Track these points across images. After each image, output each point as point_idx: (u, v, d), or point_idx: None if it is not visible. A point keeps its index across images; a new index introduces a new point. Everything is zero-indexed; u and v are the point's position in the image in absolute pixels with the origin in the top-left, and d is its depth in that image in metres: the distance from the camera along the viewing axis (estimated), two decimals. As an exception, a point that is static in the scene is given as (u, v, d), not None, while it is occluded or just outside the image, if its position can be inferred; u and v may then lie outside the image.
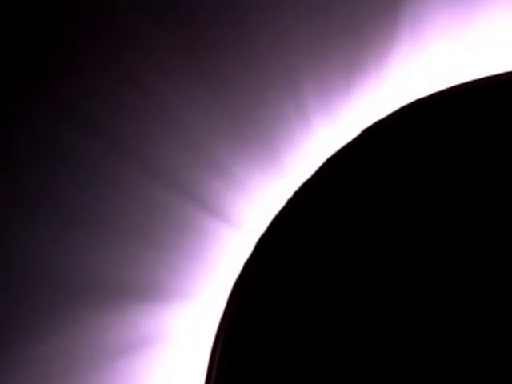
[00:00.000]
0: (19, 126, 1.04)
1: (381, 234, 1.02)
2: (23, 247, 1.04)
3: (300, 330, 1.00)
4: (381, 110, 1.05)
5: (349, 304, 1.00)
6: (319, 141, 1.05)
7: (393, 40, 1.04)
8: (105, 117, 1.04)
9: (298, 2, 1.03)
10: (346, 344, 0.99)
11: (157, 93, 1.05)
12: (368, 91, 1.05)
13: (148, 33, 1.04)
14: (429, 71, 1.05)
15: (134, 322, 1.02)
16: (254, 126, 1.05)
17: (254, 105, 1.05)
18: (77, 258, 1.04)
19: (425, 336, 0.97)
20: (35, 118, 1.04)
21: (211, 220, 1.04)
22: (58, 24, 1.05)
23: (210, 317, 1.03)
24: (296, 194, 1.04)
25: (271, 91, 1.05)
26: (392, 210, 1.02)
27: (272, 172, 1.05)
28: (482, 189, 1.01)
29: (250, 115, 1.05)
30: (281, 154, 1.05)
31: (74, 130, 1.02)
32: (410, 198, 1.02)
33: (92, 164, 1.03)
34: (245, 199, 1.05)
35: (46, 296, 1.03)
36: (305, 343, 0.99)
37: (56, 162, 1.04)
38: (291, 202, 1.04)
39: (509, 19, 1.01)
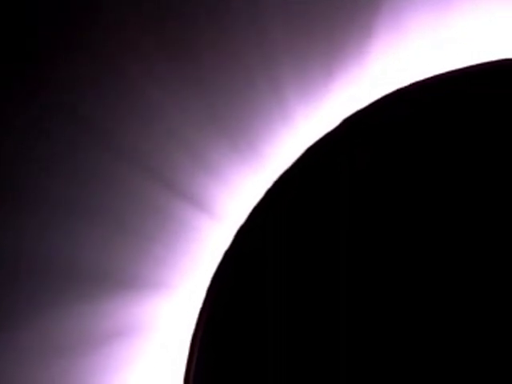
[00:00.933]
0: (7, 120, 1.04)
1: (362, 225, 1.02)
2: (7, 237, 1.05)
3: (279, 319, 1.01)
4: (361, 101, 1.05)
5: (328, 294, 1.01)
6: (299, 131, 1.05)
7: (372, 31, 1.03)
8: (85, 107, 1.05)
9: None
10: (327, 333, 0.99)
11: (137, 84, 1.05)
12: (348, 82, 1.05)
13: (131, 27, 1.04)
14: (408, 62, 1.04)
15: (115, 312, 1.03)
16: (233, 116, 1.05)
17: (234, 95, 1.05)
18: (60, 247, 1.05)
19: (419, 335, 0.98)
20: (21, 111, 1.04)
21: (191, 210, 1.05)
22: (43, 18, 1.05)
23: (191, 306, 1.04)
24: (275, 184, 1.04)
25: (251, 82, 1.05)
26: (372, 200, 1.02)
27: (252, 162, 1.05)
28: (464, 175, 1.01)
29: (229, 106, 1.05)
30: (261, 145, 1.05)
31: (56, 121, 1.03)
32: (390, 187, 1.02)
33: (73, 154, 1.03)
34: (225, 190, 1.05)
35: (30, 284, 1.05)
36: (284, 332, 1.00)
37: (39, 153, 1.05)
38: (270, 193, 1.04)
39: (487, 11, 1.00)
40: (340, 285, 1.01)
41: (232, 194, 1.05)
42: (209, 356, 1.02)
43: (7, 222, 1.05)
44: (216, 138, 1.05)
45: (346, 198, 1.02)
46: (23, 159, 1.04)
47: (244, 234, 1.04)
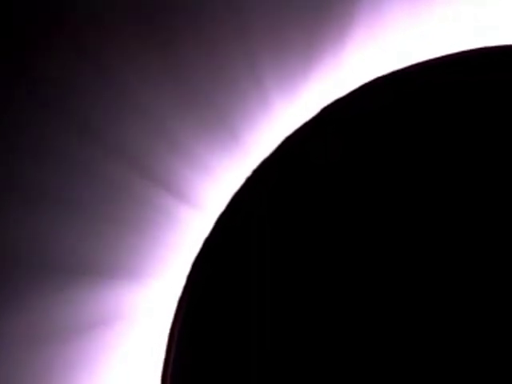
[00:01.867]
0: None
1: (339, 211, 1.02)
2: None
3: (259, 308, 1.01)
4: (340, 90, 1.06)
5: (309, 280, 1.01)
6: (278, 120, 1.06)
7: (352, 20, 1.05)
8: (64, 96, 1.05)
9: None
10: (308, 323, 0.99)
11: (117, 74, 1.05)
12: (327, 70, 1.06)
13: (110, 18, 1.05)
14: (387, 52, 1.05)
15: (94, 301, 1.03)
16: (213, 105, 1.05)
17: (214, 84, 1.05)
18: (41, 236, 1.04)
19: (403, 331, 0.98)
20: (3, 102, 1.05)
21: (171, 199, 1.05)
22: (22, 10, 1.05)
23: (171, 294, 1.04)
24: (255, 172, 1.05)
25: (231, 71, 1.05)
26: (350, 186, 1.03)
27: (232, 151, 1.06)
28: (438, 161, 1.02)
29: (209, 95, 1.05)
30: (240, 133, 1.06)
31: (34, 109, 1.03)
32: (368, 175, 1.03)
33: (51, 144, 1.04)
34: (205, 178, 1.05)
35: (11, 273, 1.04)
36: (263, 321, 1.00)
37: (17, 142, 1.05)
38: (250, 181, 1.04)
39: (466, 1, 1.02)
40: (321, 271, 1.01)
41: (212, 183, 1.05)
42: (187, 344, 1.01)
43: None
44: (196, 128, 1.05)
45: (324, 185, 1.03)
46: (2, 148, 1.04)
47: (224, 222, 1.04)
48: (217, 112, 1.05)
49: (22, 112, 1.04)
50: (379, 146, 1.03)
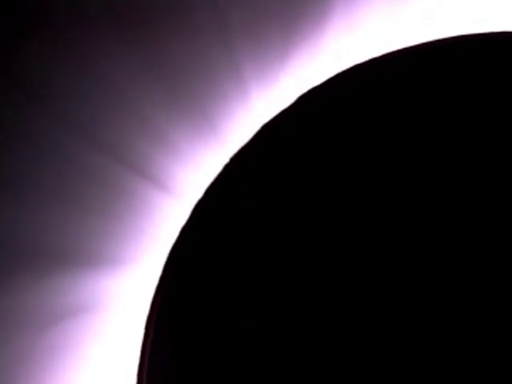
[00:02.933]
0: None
1: (318, 197, 1.03)
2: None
3: (236, 294, 1.01)
4: (316, 78, 1.06)
5: (284, 267, 1.01)
6: (255, 107, 1.06)
7: (329, 9, 1.05)
8: (45, 88, 1.06)
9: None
10: (285, 311, 1.00)
11: (97, 65, 1.06)
12: (303, 59, 1.06)
13: (92, 12, 1.05)
14: (363, 41, 1.06)
15: (72, 288, 1.04)
16: (191, 93, 1.06)
17: (192, 73, 1.06)
18: (21, 224, 1.05)
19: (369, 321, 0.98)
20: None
21: (149, 187, 1.05)
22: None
23: (149, 281, 1.05)
24: (232, 160, 1.05)
25: (208, 60, 1.06)
26: (327, 173, 1.03)
27: (209, 138, 1.06)
28: (415, 147, 1.02)
29: (187, 83, 1.06)
30: (218, 121, 1.06)
31: (9, 97, 1.04)
32: (345, 162, 1.04)
33: (29, 132, 1.04)
34: (182, 166, 1.06)
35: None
36: (241, 307, 1.01)
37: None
38: (227, 168, 1.05)
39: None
40: (298, 258, 1.01)
41: (189, 170, 1.06)
42: (165, 330, 1.02)
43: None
44: (173, 116, 1.06)
45: (302, 172, 1.03)
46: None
47: (201, 210, 1.04)
48: (194, 100, 1.06)
49: (3, 106, 1.05)
50: (356, 133, 1.04)
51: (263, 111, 1.06)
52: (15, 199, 1.05)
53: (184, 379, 1.01)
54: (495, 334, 0.95)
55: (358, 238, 1.00)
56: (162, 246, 1.05)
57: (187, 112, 1.06)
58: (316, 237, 1.01)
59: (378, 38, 1.07)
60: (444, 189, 1.00)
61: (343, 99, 1.05)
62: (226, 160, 1.05)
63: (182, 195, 1.06)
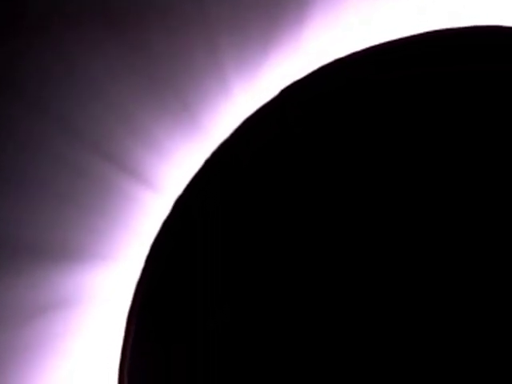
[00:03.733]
0: None
1: (301, 191, 1.03)
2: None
3: (216, 288, 1.01)
4: (298, 72, 1.06)
5: (264, 262, 1.01)
6: (237, 102, 1.06)
7: (310, 3, 1.05)
8: (25, 78, 1.05)
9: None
10: (259, 300, 1.00)
11: (79, 59, 1.06)
12: (285, 53, 1.06)
13: (72, 7, 1.05)
14: (343, 36, 1.05)
15: (54, 283, 1.03)
16: (173, 88, 1.06)
17: (174, 68, 1.06)
18: (1, 218, 1.05)
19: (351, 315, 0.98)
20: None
21: (131, 181, 1.05)
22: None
23: (130, 276, 1.05)
24: (213, 154, 1.05)
25: (190, 54, 1.06)
26: (309, 168, 1.03)
27: (191, 133, 1.06)
28: (398, 141, 1.02)
29: (169, 78, 1.06)
30: (200, 116, 1.06)
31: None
32: (328, 156, 1.03)
33: (10, 125, 1.04)
34: (164, 160, 1.06)
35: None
36: (220, 301, 1.01)
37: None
38: (209, 163, 1.05)
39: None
40: (278, 253, 1.01)
41: (171, 165, 1.06)
42: (146, 325, 1.02)
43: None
44: (155, 111, 1.05)
45: (284, 166, 1.03)
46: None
47: (182, 204, 1.04)
48: (176, 95, 1.05)
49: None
50: (338, 127, 1.04)
51: (245, 106, 1.06)
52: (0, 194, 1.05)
53: (166, 374, 1.00)
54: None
55: (340, 230, 1.00)
56: (144, 241, 1.05)
57: (169, 107, 1.06)
58: (296, 231, 1.01)
59: (359, 32, 1.06)
60: (422, 183, 1.00)
61: (325, 93, 1.05)
62: (207, 155, 1.05)
63: (164, 190, 1.06)
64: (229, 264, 1.02)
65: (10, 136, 1.02)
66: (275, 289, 1.00)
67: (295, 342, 0.98)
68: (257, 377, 0.98)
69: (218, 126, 1.06)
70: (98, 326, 1.04)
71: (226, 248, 1.02)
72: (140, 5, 1.05)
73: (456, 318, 0.95)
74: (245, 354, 0.99)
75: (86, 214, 1.05)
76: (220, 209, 1.03)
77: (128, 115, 1.05)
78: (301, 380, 0.96)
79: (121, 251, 1.05)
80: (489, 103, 1.01)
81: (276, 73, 1.06)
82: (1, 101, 1.01)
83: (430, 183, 0.99)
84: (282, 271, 1.00)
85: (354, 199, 1.01)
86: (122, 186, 1.05)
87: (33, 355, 1.03)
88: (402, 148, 1.01)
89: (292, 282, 1.00)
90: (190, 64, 1.06)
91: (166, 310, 1.01)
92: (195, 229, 1.03)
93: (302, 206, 1.02)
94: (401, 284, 0.97)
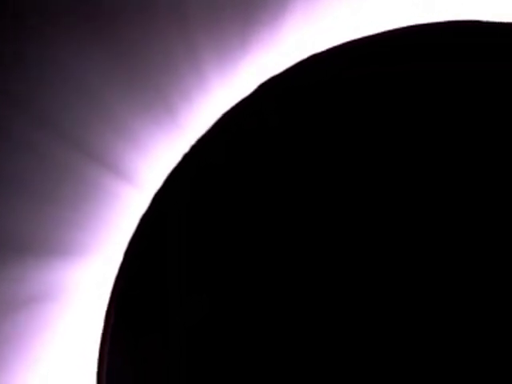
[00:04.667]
0: None
1: (279, 185, 1.03)
2: None
3: (194, 284, 1.01)
4: (277, 66, 1.06)
5: (242, 258, 1.01)
6: (216, 96, 1.06)
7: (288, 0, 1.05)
8: (4, 74, 1.05)
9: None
10: (237, 295, 1.00)
11: (58, 55, 1.05)
12: (264, 47, 1.06)
13: (51, 1, 1.05)
14: (322, 30, 1.06)
15: (32, 276, 1.03)
16: (150, 82, 1.06)
17: (151, 62, 1.06)
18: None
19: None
20: None
21: (109, 176, 1.05)
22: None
23: (108, 271, 1.05)
24: (192, 149, 1.05)
25: (167, 48, 1.06)
26: (288, 162, 1.03)
27: (169, 127, 1.06)
28: (376, 137, 1.02)
29: (147, 72, 1.06)
30: (178, 110, 1.06)
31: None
32: (307, 151, 1.04)
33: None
34: (142, 154, 1.06)
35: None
36: (198, 296, 1.01)
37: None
38: (187, 158, 1.05)
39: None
40: (257, 248, 1.01)
41: (149, 160, 1.06)
42: (124, 320, 1.02)
43: None
44: (133, 105, 1.05)
45: (262, 161, 1.03)
46: None
47: (160, 199, 1.04)
48: (155, 90, 1.05)
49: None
50: (317, 122, 1.04)
51: (223, 100, 1.06)
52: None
53: (144, 367, 1.00)
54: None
55: (315, 222, 1.00)
56: (122, 235, 1.05)
57: (147, 101, 1.06)
58: (274, 224, 1.01)
59: (339, 26, 1.06)
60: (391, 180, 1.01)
61: (303, 88, 1.05)
62: (185, 149, 1.05)
63: (142, 184, 1.06)
64: (207, 258, 1.02)
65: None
66: (253, 282, 1.00)
67: (273, 336, 0.99)
68: (236, 371, 0.98)
69: (197, 120, 1.06)
70: (77, 319, 1.04)
71: (204, 242, 1.02)
72: (117, 2, 1.04)
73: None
74: (223, 349, 0.99)
75: (65, 209, 1.05)
76: (198, 203, 1.03)
77: (107, 111, 1.05)
78: (282, 376, 0.96)
79: (100, 246, 1.05)
80: (467, 100, 1.02)
81: (254, 67, 1.06)
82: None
83: (401, 177, 0.99)
84: (261, 266, 1.01)
85: (333, 194, 1.02)
86: (101, 181, 1.05)
87: (13, 348, 1.03)
88: (378, 142, 1.01)
89: (271, 277, 1.00)
90: (167, 58, 1.06)
91: (144, 304, 1.02)
92: (173, 224, 1.03)
93: (279, 200, 1.02)
94: (395, 282, 0.98)
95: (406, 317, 0.96)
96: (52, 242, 1.04)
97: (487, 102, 1.02)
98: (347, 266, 0.99)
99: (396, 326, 0.96)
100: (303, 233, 1.00)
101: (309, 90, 1.05)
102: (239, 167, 1.04)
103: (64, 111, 1.05)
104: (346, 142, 1.03)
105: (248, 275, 1.00)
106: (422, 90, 1.02)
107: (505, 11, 1.04)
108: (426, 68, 1.03)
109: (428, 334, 0.95)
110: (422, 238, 0.98)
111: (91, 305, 1.04)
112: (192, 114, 1.06)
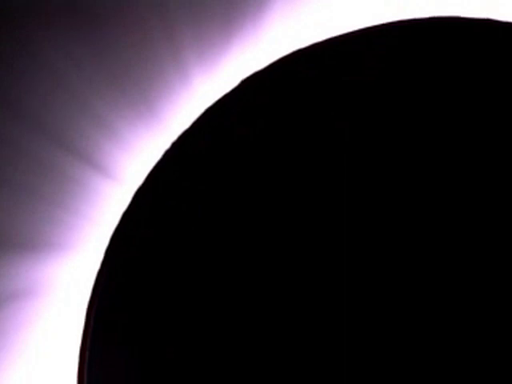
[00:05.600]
0: None
1: (261, 182, 1.03)
2: None
3: (178, 280, 1.01)
4: (259, 62, 1.05)
5: (224, 254, 1.01)
6: (197, 92, 1.06)
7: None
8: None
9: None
10: (222, 295, 1.00)
11: (39, 50, 1.05)
12: (246, 43, 1.05)
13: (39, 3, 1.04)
14: (305, 25, 1.05)
15: (12, 274, 1.03)
16: (132, 78, 1.05)
17: (133, 59, 1.05)
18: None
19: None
20: None
21: (90, 172, 1.05)
22: None
23: (90, 268, 1.04)
24: (173, 145, 1.05)
25: (150, 45, 1.05)
26: (270, 159, 1.03)
27: (151, 124, 1.05)
28: (360, 133, 1.02)
29: (129, 69, 1.05)
30: (159, 106, 1.05)
31: None
32: (289, 147, 1.03)
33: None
34: (124, 151, 1.05)
35: None
36: (183, 296, 1.01)
37: None
38: (168, 154, 1.05)
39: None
40: (241, 245, 1.01)
41: (131, 156, 1.05)
42: (105, 317, 1.02)
43: None
44: (115, 101, 1.05)
45: (244, 157, 1.03)
46: None
47: (142, 196, 1.04)
48: (136, 85, 1.05)
49: None
50: (300, 118, 1.04)
51: (205, 96, 1.05)
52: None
53: (125, 367, 1.01)
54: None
55: (298, 218, 1.01)
56: (104, 232, 1.05)
57: (129, 98, 1.05)
58: (256, 221, 1.01)
59: (321, 23, 1.06)
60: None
61: (285, 84, 1.05)
62: (167, 145, 1.05)
63: (124, 180, 1.05)
64: (189, 256, 1.02)
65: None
66: (238, 282, 1.00)
67: (273, 336, 0.99)
68: (230, 371, 0.99)
69: (178, 116, 1.06)
70: (58, 316, 1.04)
71: (187, 239, 1.02)
72: (99, 0, 1.04)
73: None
74: (209, 350, 0.99)
75: (46, 205, 1.04)
76: (180, 199, 1.03)
77: (88, 107, 1.05)
78: (282, 376, 0.97)
79: (81, 242, 1.05)
80: (440, 99, 1.02)
81: (236, 63, 1.06)
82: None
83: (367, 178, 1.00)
84: (247, 265, 1.01)
85: (315, 191, 1.02)
86: (83, 177, 1.05)
87: (-8, 346, 1.02)
88: (362, 138, 1.01)
89: (256, 275, 1.01)
90: (149, 55, 1.05)
91: (125, 300, 1.02)
92: (155, 220, 1.03)
93: (263, 197, 1.02)
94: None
95: (406, 317, 0.96)
96: (33, 238, 1.04)
97: (471, 99, 1.02)
98: (342, 262, 0.99)
99: (396, 325, 0.96)
100: (290, 233, 1.00)
101: (291, 85, 1.05)
102: (221, 163, 1.04)
103: (45, 107, 1.05)
104: (329, 138, 1.03)
105: (232, 273, 1.00)
106: (408, 87, 1.02)
107: (485, 7, 1.04)
108: (411, 64, 1.03)
109: (428, 334, 0.95)
110: (421, 237, 0.98)
111: (73, 301, 1.04)
112: (174, 110, 1.05)
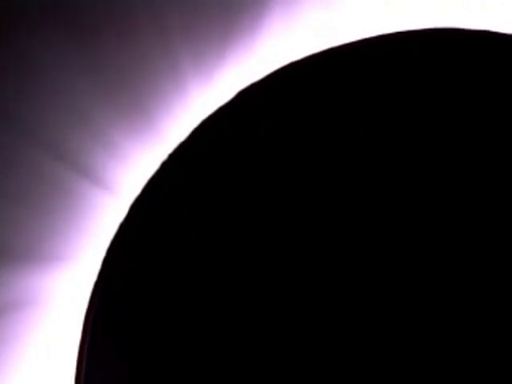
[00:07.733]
0: None
1: (259, 194, 1.03)
2: None
3: (174, 290, 1.02)
4: (255, 74, 1.06)
5: (224, 266, 1.02)
6: (194, 104, 1.06)
7: (267, 5, 1.04)
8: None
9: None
10: (214, 304, 1.01)
11: (34, 59, 1.05)
12: (242, 55, 1.06)
13: (27, 5, 1.05)
14: (301, 37, 1.05)
15: (10, 284, 1.04)
16: (130, 90, 1.06)
17: (130, 69, 1.06)
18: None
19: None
20: None
21: (87, 183, 1.06)
22: None
23: (86, 279, 1.05)
24: (170, 157, 1.05)
25: (147, 56, 1.06)
26: (268, 171, 1.03)
27: (148, 135, 1.06)
28: (354, 146, 1.02)
29: (125, 80, 1.06)
30: (156, 118, 1.06)
31: None
32: (288, 158, 1.04)
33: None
34: (120, 163, 1.06)
35: None
36: (179, 306, 1.02)
37: None
38: (165, 166, 1.05)
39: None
40: (239, 256, 1.02)
41: (127, 168, 1.06)
42: (102, 329, 1.03)
43: None
44: (112, 112, 1.05)
45: (241, 169, 1.03)
46: None
47: (139, 207, 1.05)
48: (133, 97, 1.05)
49: None
50: (294, 129, 1.04)
51: (202, 107, 1.06)
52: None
53: (122, 375, 1.01)
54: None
55: (311, 235, 1.01)
56: (100, 243, 1.05)
57: (125, 109, 1.06)
58: (253, 230, 1.01)
59: (316, 34, 1.06)
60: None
61: (281, 95, 1.05)
62: (164, 157, 1.05)
63: (121, 192, 1.06)
64: (185, 267, 1.02)
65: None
66: (236, 289, 1.01)
67: (272, 336, 0.99)
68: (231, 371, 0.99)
69: (175, 127, 1.06)
70: (55, 326, 1.05)
71: (183, 250, 1.03)
72: (95, 7, 1.04)
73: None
74: (206, 355, 1.00)
75: (43, 216, 1.05)
76: (177, 210, 1.04)
77: (85, 118, 1.05)
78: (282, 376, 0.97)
79: (78, 253, 1.06)
80: (450, 106, 1.02)
81: (233, 75, 1.06)
82: None
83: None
84: (246, 272, 1.01)
85: (314, 199, 1.02)
86: (80, 189, 1.06)
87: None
88: (356, 145, 1.01)
89: (255, 282, 1.01)
90: (145, 65, 1.06)
91: (122, 310, 1.02)
92: (152, 231, 1.04)
93: (259, 207, 1.02)
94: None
95: (406, 317, 0.96)
96: (30, 249, 1.05)
97: (470, 108, 1.02)
98: (341, 260, 0.99)
99: (395, 325, 0.96)
100: (290, 237, 1.00)
101: (288, 97, 1.05)
102: (218, 175, 1.04)
103: (41, 118, 1.06)
104: (325, 150, 1.03)
105: (232, 281, 1.01)
106: (404, 98, 1.02)
107: (483, 19, 1.03)
108: (407, 77, 1.02)
109: (427, 334, 0.96)
110: (421, 237, 0.98)
111: (69, 311, 1.05)
112: (171, 122, 1.06)
